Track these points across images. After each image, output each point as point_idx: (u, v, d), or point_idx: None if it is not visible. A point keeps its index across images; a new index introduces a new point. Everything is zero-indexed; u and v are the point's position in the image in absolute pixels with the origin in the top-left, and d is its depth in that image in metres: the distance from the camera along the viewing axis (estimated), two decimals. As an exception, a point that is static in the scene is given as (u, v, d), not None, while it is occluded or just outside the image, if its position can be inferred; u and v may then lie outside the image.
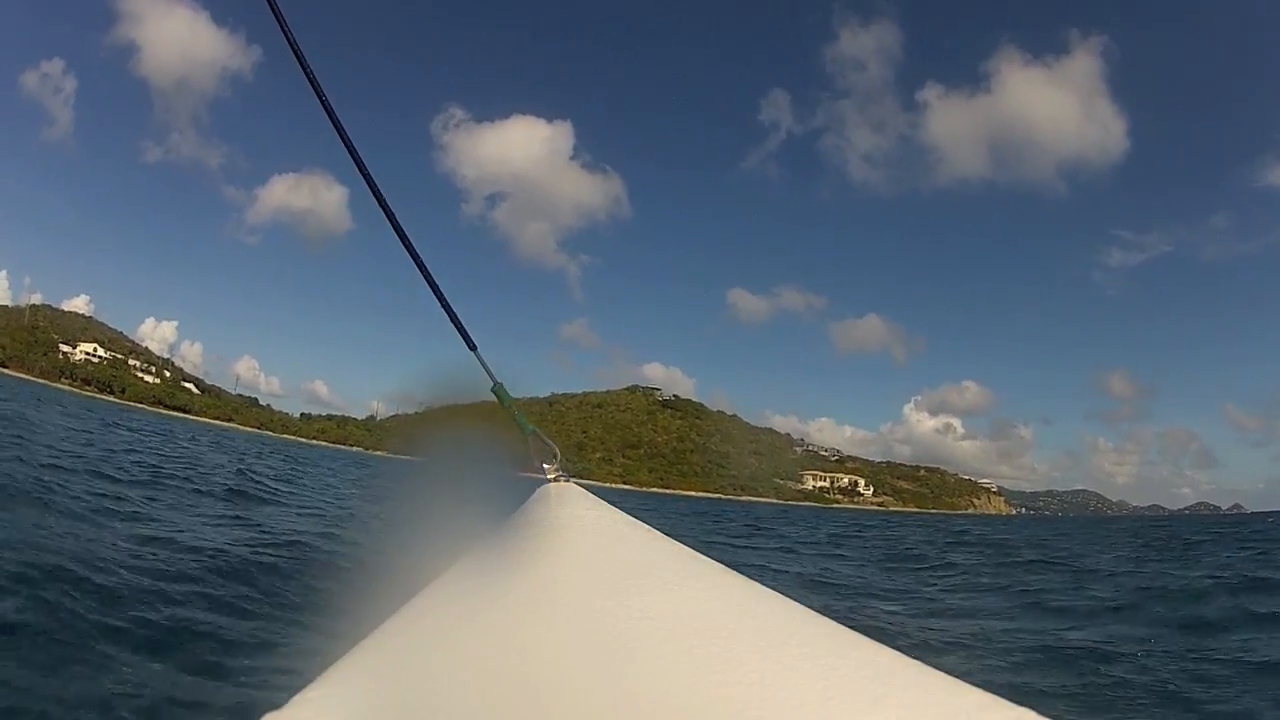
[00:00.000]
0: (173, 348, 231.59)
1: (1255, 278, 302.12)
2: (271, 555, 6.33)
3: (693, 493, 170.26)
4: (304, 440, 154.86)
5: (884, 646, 0.58)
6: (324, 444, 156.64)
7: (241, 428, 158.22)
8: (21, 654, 3.34)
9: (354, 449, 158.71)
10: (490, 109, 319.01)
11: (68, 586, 4.20)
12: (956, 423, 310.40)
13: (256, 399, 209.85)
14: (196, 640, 4.00)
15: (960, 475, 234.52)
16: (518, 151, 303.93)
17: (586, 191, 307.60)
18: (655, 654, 0.58)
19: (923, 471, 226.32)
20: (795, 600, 0.70)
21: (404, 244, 1.90)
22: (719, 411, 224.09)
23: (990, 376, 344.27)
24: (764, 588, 0.75)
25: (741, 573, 0.80)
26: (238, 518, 8.69)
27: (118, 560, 5.18)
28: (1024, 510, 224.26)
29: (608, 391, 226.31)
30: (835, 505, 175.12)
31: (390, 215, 1.87)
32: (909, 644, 5.15)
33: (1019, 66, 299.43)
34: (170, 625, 4.17)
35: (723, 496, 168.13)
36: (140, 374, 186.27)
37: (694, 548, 0.94)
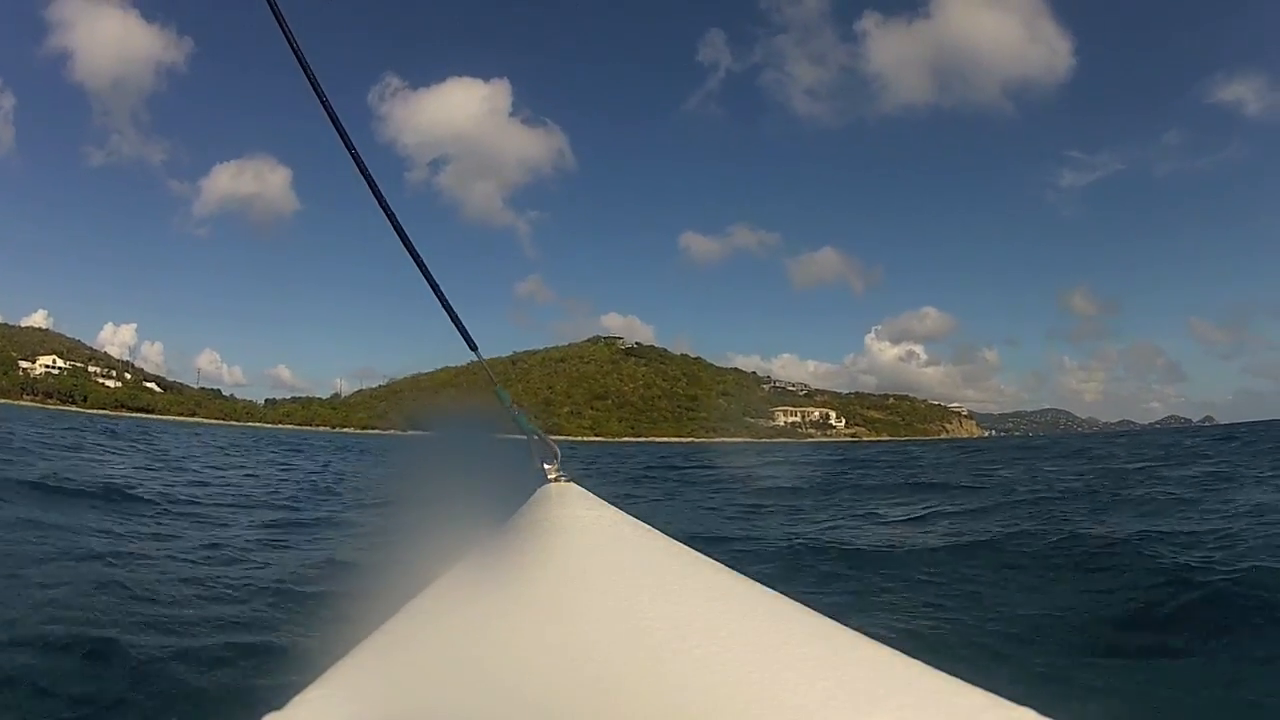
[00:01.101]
0: (133, 350, 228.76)
1: (1211, 192, 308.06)
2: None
3: (665, 438, 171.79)
4: (267, 425, 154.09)
5: (884, 646, 0.58)
6: (289, 427, 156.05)
7: (206, 421, 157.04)
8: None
9: (321, 429, 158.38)
10: (426, 74, 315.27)
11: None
12: (919, 350, 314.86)
13: (219, 390, 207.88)
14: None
15: (930, 401, 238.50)
16: (457, 113, 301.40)
17: (529, 147, 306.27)
18: (655, 654, 0.58)
19: (891, 400, 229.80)
20: (795, 600, 0.70)
21: (405, 245, 1.86)
22: (682, 355, 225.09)
23: (950, 302, 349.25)
24: (764, 588, 0.75)
25: (742, 573, 0.80)
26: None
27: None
28: (994, 432, 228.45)
29: (569, 345, 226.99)
30: (810, 440, 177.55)
31: (391, 217, 1.82)
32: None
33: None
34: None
35: (696, 440, 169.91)
36: (101, 380, 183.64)
37: (694, 548, 0.93)
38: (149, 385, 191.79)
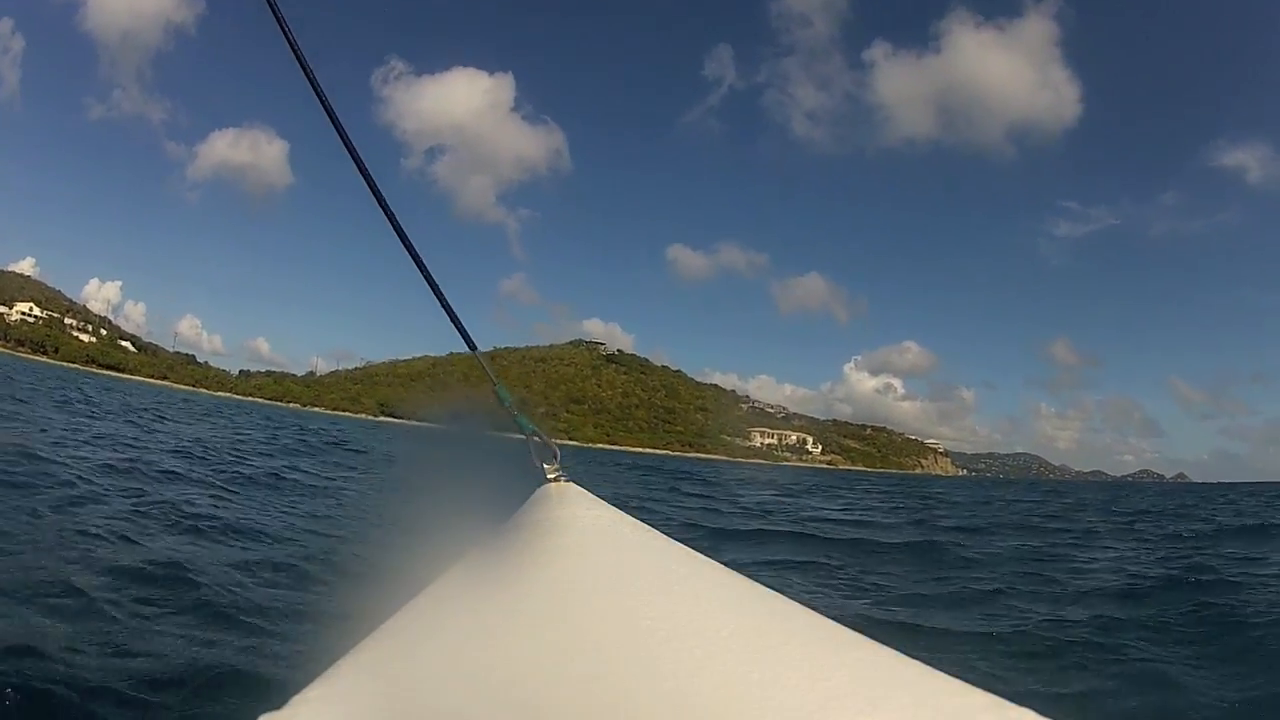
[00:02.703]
0: (115, 307, 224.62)
1: (1205, 256, 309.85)
2: None
3: (640, 449, 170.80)
4: (237, 396, 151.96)
5: (884, 646, 0.58)
6: (259, 400, 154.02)
7: (176, 386, 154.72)
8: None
9: (290, 406, 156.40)
10: (431, 61, 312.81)
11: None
12: (897, 383, 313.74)
13: (194, 356, 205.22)
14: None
15: (907, 435, 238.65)
16: (458, 104, 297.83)
17: (527, 144, 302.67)
18: (655, 654, 0.58)
19: (869, 430, 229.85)
20: (795, 600, 0.70)
21: (404, 244, 1.83)
22: (663, 367, 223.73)
23: (932, 338, 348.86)
24: (764, 588, 0.75)
25: (741, 573, 0.80)
26: None
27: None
28: (967, 471, 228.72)
29: (550, 346, 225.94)
30: (785, 463, 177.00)
31: (390, 215, 1.80)
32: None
33: (970, 28, 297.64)
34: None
35: (670, 453, 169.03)
36: (76, 333, 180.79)
37: (695, 547, 0.93)
38: (123, 344, 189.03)
